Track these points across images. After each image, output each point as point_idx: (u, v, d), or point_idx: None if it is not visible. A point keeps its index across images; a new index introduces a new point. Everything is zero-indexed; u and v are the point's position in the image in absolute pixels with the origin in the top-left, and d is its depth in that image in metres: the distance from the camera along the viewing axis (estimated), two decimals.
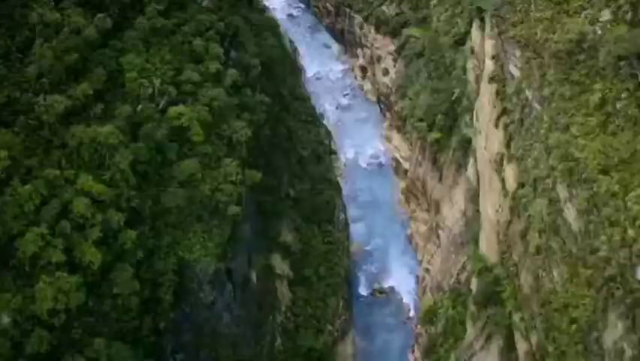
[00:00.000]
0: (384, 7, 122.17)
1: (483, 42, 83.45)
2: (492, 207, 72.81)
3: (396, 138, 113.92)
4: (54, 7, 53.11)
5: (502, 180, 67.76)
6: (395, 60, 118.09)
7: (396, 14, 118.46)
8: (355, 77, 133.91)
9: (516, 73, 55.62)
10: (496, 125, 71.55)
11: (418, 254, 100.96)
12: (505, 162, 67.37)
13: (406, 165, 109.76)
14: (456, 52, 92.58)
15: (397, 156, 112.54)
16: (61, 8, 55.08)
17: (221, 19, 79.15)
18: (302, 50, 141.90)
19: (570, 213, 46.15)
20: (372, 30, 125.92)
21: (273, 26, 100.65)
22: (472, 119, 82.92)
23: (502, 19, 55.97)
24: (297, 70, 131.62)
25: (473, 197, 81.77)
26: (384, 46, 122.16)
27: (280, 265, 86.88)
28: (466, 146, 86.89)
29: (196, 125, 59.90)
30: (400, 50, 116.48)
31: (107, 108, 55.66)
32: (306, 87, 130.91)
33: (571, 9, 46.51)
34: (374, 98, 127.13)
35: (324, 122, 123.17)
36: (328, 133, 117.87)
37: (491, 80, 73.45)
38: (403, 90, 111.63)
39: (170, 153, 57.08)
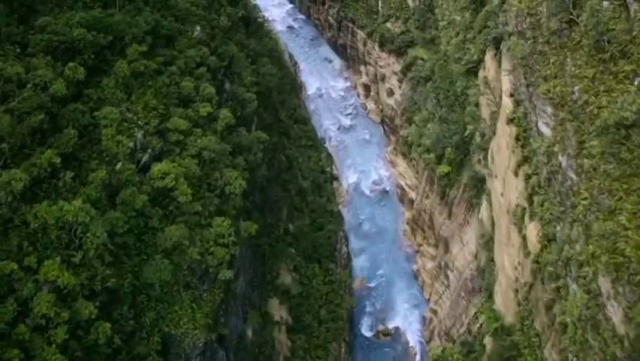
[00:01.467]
0: (388, 24, 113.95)
1: (498, 75, 75.74)
2: (510, 262, 65.43)
3: (402, 163, 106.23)
4: (16, 58, 45.18)
5: (523, 238, 60.25)
6: (400, 81, 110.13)
7: (402, 32, 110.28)
8: (358, 96, 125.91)
9: (547, 132, 47.94)
10: (516, 173, 64.03)
11: (425, 292, 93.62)
12: (526, 219, 59.83)
13: (411, 194, 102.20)
14: (467, 80, 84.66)
15: (402, 183, 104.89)
16: (27, 55, 47.19)
17: (215, 49, 71.41)
18: (302, 64, 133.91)
19: (615, 312, 38.69)
20: (377, 47, 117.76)
21: (271, 50, 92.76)
22: (485, 157, 75.27)
23: (530, 69, 48.11)
24: (297, 88, 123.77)
25: (487, 244, 74.34)
26: (389, 65, 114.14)
27: (278, 310, 79.54)
28: (479, 185, 79.38)
29: (183, 184, 52.26)
30: (405, 71, 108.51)
31: (81, 170, 47.94)
32: (306, 105, 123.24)
33: (619, 71, 38.73)
34: (378, 119, 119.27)
35: (326, 143, 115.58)
36: (329, 157, 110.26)
37: (510, 121, 65.87)
38: (408, 115, 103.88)
39: (153, 219, 49.48)
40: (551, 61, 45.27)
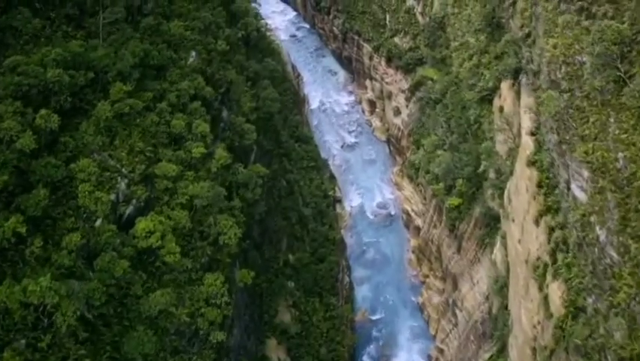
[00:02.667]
0: (396, 39, 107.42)
1: (516, 107, 69.50)
2: (527, 318, 59.38)
3: (408, 187, 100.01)
4: None
5: (545, 297, 54.19)
6: (408, 99, 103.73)
7: (410, 49, 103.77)
8: (363, 111, 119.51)
9: (581, 197, 41.77)
10: (537, 223, 57.91)
11: (430, 327, 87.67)
12: (548, 276, 53.72)
13: (418, 221, 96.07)
14: (481, 108, 78.34)
15: (408, 208, 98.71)
16: None
17: (212, 75, 65.12)
18: (305, 75, 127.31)
19: None
20: (383, 62, 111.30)
21: (272, 70, 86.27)
22: (501, 196, 69.10)
23: (564, 125, 41.81)
24: (299, 102, 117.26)
25: (501, 290, 68.38)
26: (396, 82, 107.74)
27: (276, 351, 73.60)
28: (492, 223, 73.27)
29: (171, 241, 46.15)
30: (413, 90, 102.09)
31: (55, 230, 41.81)
32: (309, 121, 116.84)
33: None
34: (383, 137, 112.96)
35: (329, 161, 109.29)
36: (332, 178, 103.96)
37: (531, 164, 59.69)
38: (416, 137, 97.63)
39: (136, 286, 43.45)
40: (591, 120, 39.03)
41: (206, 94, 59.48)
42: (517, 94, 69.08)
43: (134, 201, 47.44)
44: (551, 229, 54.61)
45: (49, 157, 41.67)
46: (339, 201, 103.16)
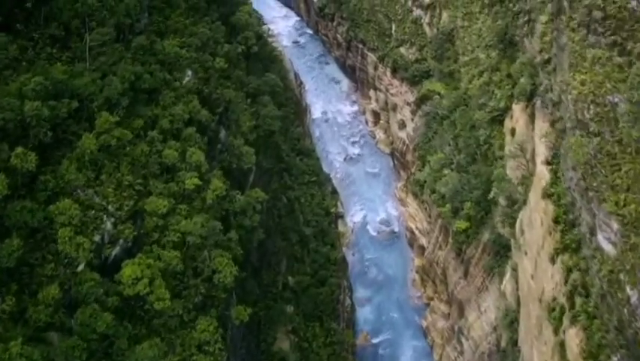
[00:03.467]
0: (402, 50, 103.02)
1: (529, 130, 65.31)
2: (540, 360, 55.48)
3: (412, 204, 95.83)
4: None
5: (561, 343, 50.17)
6: (413, 113, 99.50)
7: (417, 60, 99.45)
8: (366, 122, 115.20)
9: (609, 250, 37.71)
10: (552, 261, 53.82)
11: (434, 353, 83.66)
12: (565, 321, 49.66)
13: (422, 240, 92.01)
14: (492, 129, 74.10)
15: (413, 226, 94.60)
16: None
17: (209, 95, 61.07)
18: (308, 83, 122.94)
19: None
20: (388, 73, 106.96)
21: (274, 85, 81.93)
22: (512, 225, 64.98)
23: (592, 169, 37.65)
24: (301, 112, 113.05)
25: (511, 324, 64.38)
26: (401, 93, 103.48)
27: None
28: (502, 251, 69.23)
29: (160, 287, 42.16)
30: (419, 103, 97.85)
31: (32, 277, 37.87)
32: (311, 132, 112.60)
33: None
34: (387, 150, 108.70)
35: (332, 174, 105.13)
36: (334, 193, 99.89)
37: (547, 196, 55.55)
38: (421, 152, 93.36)
39: (120, 339, 39.51)
40: (624, 169, 34.93)
41: (202, 117, 55.39)
42: (531, 117, 64.88)
43: (120, 241, 43.46)
44: (569, 270, 50.53)
45: (26, 200, 37.56)
46: (341, 216, 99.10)
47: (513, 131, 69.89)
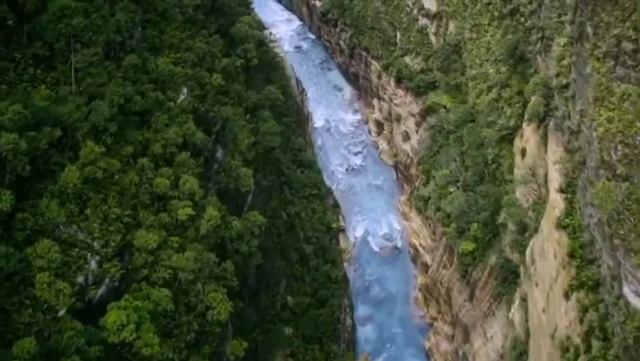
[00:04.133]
0: (407, 59, 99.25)
1: (542, 153, 61.72)
2: None
3: (416, 219, 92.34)
4: None
5: None
6: (418, 124, 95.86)
7: (422, 71, 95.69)
8: (369, 132, 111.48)
9: (636, 304, 34.21)
10: (567, 297, 50.36)
11: None
12: None
13: (426, 258, 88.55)
14: (500, 148, 70.51)
15: (416, 242, 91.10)
16: None
17: (205, 113, 57.62)
18: (310, 90, 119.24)
19: None
20: (392, 82, 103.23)
21: (275, 99, 78.36)
22: (522, 252, 61.52)
23: (618, 216, 34.13)
24: (303, 120, 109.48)
25: (520, 357, 60.91)
26: (406, 104, 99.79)
27: None
28: (510, 277, 65.77)
29: (148, 330, 38.80)
30: (424, 115, 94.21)
31: (7, 325, 34.52)
32: (312, 141, 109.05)
33: None
34: (390, 161, 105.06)
35: (333, 186, 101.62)
36: (336, 207, 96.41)
37: (561, 228, 52.03)
38: (426, 166, 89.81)
39: None
40: None
41: (198, 140, 51.91)
42: (543, 138, 61.30)
43: (106, 280, 40.16)
44: (584, 309, 47.12)
45: (0, 244, 34.13)
46: (343, 230, 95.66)
47: (523, 152, 66.35)
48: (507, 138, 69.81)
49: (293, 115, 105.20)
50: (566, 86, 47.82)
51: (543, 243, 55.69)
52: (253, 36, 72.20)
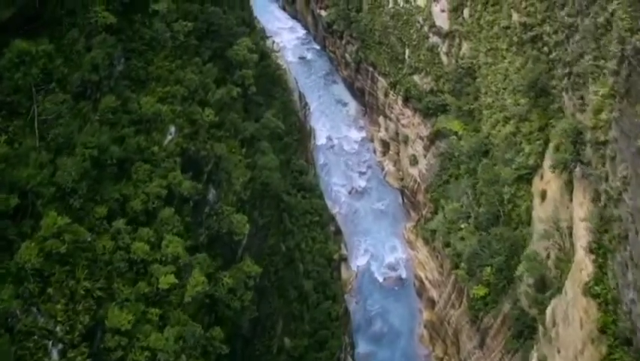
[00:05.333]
0: (416, 78, 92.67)
1: (564, 199, 55.35)
2: None
3: (422, 250, 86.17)
4: None
5: None
6: (426, 148, 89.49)
7: (432, 91, 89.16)
8: (374, 151, 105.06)
9: None
10: None
11: None
12: None
13: (432, 292, 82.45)
14: (518, 188, 64.18)
15: (422, 275, 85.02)
16: None
17: (196, 152, 51.24)
18: (313, 104, 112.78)
19: None
20: (400, 101, 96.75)
21: (274, 128, 72.06)
22: (542, 311, 55.17)
23: None
24: (305, 138, 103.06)
25: None
26: (414, 125, 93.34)
27: None
28: (527, 332, 59.59)
29: None
30: (433, 139, 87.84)
31: None
32: (315, 159, 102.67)
33: None
34: (396, 184, 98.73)
35: (336, 209, 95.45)
36: (338, 233, 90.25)
37: (590, 296, 45.74)
38: (435, 195, 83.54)
39: None
40: None
41: (185, 190, 45.60)
42: (567, 185, 54.88)
43: None
44: None
45: None
46: (345, 259, 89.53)
47: (543, 195, 59.98)
48: (525, 178, 63.50)
49: (294, 133, 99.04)
50: (604, 143, 41.40)
51: (567, 307, 49.39)
52: (252, 60, 65.39)
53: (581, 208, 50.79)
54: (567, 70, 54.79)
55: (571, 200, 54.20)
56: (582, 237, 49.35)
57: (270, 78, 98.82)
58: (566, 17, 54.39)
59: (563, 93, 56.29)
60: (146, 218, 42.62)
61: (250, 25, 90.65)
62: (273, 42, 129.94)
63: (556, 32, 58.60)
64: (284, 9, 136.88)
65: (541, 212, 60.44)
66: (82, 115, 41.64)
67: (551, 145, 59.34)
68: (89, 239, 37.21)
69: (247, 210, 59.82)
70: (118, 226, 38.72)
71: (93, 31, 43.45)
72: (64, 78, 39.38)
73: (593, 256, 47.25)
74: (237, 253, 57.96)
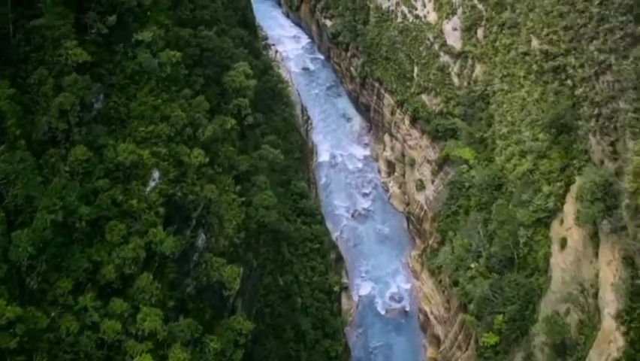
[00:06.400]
0: (424, 98, 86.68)
1: (590, 256, 49.57)
2: None
3: (427, 282, 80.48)
4: None
5: None
6: (434, 174, 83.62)
7: (441, 113, 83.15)
8: (379, 171, 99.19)
9: None
10: None
11: None
12: None
13: (437, 329, 76.81)
14: (535, 231, 58.39)
15: (427, 309, 79.37)
16: None
17: (184, 196, 45.54)
18: (316, 118, 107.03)
19: None
20: (407, 121, 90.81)
21: (272, 161, 66.32)
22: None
23: None
24: (306, 155, 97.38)
25: None
26: (421, 147, 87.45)
27: None
28: None
29: None
30: (442, 164, 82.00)
31: None
32: (316, 178, 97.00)
33: None
34: (400, 207, 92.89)
35: (337, 233, 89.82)
36: (339, 260, 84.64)
37: None
38: (442, 226, 77.68)
39: None
40: None
41: (166, 250, 39.94)
42: (592, 238, 49.12)
43: None
44: None
45: None
46: (345, 288, 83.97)
47: (563, 243, 54.21)
48: (543, 221, 57.72)
49: (296, 151, 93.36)
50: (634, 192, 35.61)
51: None
52: (249, 88, 59.37)
53: (608, 268, 45.21)
54: (595, 111, 48.97)
55: (596, 255, 48.54)
56: (611, 303, 43.78)
57: (270, 93, 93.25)
58: (595, 53, 48.45)
59: (590, 136, 50.42)
60: (121, 284, 37.14)
61: (249, 46, 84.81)
62: (276, 51, 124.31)
63: (582, 66, 52.62)
64: (287, 16, 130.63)
65: (560, 261, 54.73)
66: (50, 166, 36.26)
67: (574, 188, 53.83)
68: (50, 318, 31.92)
69: (240, 254, 54.43)
70: (84, 304, 33.08)
71: (64, 70, 37.96)
72: (24, 130, 33.74)
73: (623, 328, 41.73)
74: (229, 301, 52.55)
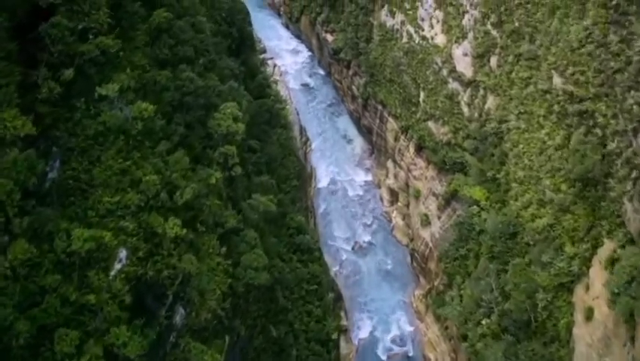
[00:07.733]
0: (431, 125, 79.45)
1: (623, 336, 42.69)
2: None
3: (433, 327, 73.75)
4: None
5: None
6: (441, 209, 76.53)
7: (448, 143, 76.00)
8: (381, 199, 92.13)
9: None
10: None
11: None
12: None
13: None
14: (556, 296, 51.48)
15: (432, 357, 72.64)
16: None
17: (157, 273, 38.69)
18: (315, 139, 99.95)
19: None
20: (411, 149, 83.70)
21: (266, 211, 59.31)
22: None
23: None
24: (305, 182, 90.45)
25: None
26: (427, 179, 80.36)
27: None
28: None
29: None
30: (449, 199, 74.92)
31: None
32: (315, 206, 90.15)
33: None
34: (404, 240, 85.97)
35: (336, 268, 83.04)
36: (339, 300, 77.94)
37: None
38: (449, 269, 70.89)
39: None
40: None
41: (131, 353, 33.14)
42: (626, 318, 42.27)
43: None
44: None
45: None
46: (345, 330, 77.30)
47: (589, 315, 47.28)
48: (566, 286, 50.82)
49: (293, 179, 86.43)
50: None
51: None
52: (239, 132, 52.23)
53: None
54: (634, 174, 41.90)
55: (632, 340, 41.67)
56: None
57: (267, 116, 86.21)
58: (635, 107, 41.28)
59: (625, 200, 43.38)
60: None
61: (245, 64, 77.94)
62: (274, 66, 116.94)
63: (615, 117, 45.47)
64: (287, 27, 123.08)
65: (585, 333, 47.87)
66: None
67: (602, 251, 46.93)
68: None
69: (226, 325, 47.83)
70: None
71: (3, 145, 31.04)
72: None
73: None
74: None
